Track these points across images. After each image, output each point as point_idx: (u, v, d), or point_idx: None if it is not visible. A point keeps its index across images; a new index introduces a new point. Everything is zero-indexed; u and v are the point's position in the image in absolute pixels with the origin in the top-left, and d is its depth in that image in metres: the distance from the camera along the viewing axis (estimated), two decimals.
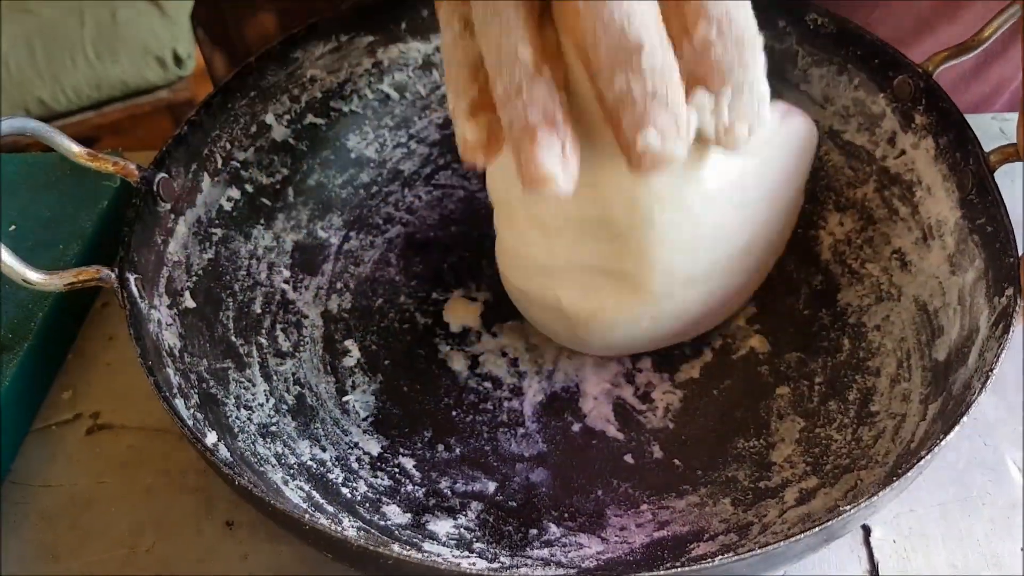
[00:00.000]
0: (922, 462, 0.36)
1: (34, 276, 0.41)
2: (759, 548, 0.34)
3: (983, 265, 0.44)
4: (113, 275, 0.42)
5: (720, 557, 0.34)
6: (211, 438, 0.42)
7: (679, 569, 0.35)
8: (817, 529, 0.34)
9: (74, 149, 0.44)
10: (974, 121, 0.47)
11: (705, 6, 0.33)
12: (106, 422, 0.50)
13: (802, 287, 0.52)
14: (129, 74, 1.15)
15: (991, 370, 0.39)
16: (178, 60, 1.23)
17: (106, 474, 0.48)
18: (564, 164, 0.33)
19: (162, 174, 0.47)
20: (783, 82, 0.54)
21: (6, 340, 0.49)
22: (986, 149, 0.45)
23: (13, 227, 0.53)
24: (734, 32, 0.33)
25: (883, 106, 0.51)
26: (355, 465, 0.46)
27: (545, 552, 0.43)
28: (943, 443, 0.37)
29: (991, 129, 0.59)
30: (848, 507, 0.35)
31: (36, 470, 0.48)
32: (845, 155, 0.53)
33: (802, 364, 0.49)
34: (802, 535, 0.34)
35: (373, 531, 0.43)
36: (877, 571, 0.43)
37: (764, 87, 0.35)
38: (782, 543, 0.34)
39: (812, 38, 0.53)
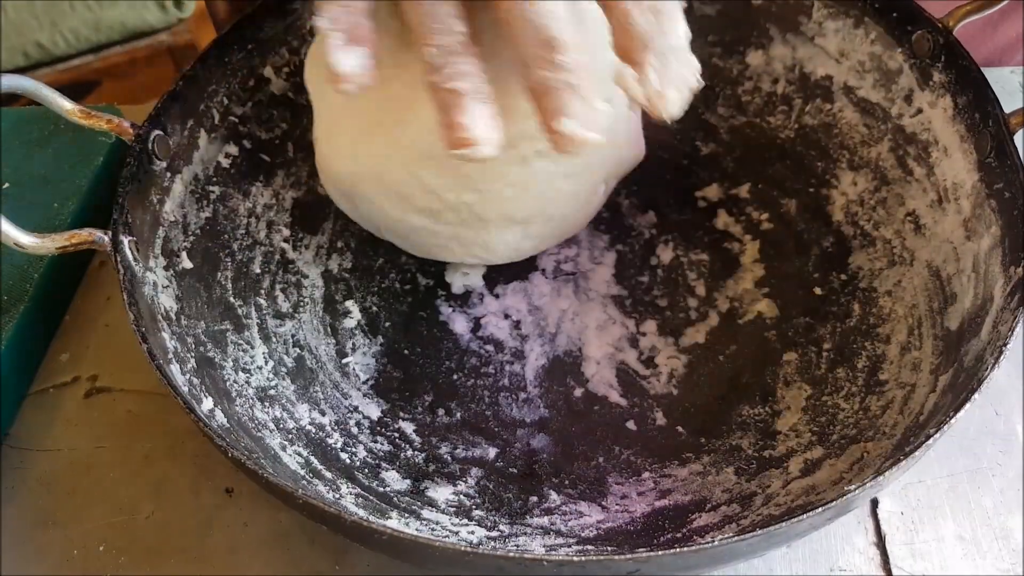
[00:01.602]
0: (930, 440, 0.35)
1: (26, 239, 0.40)
2: (760, 528, 0.33)
3: (999, 232, 0.42)
4: (107, 238, 0.41)
5: (721, 536, 0.33)
6: (207, 404, 0.42)
7: (680, 550, 0.34)
8: (820, 509, 0.34)
9: (67, 107, 0.43)
10: (993, 76, 0.45)
11: None
12: (105, 385, 0.49)
13: (812, 248, 0.50)
14: (128, 16, 1.13)
15: (1005, 344, 0.38)
16: (178, 2, 1.21)
17: (105, 439, 0.48)
18: (493, 129, 0.36)
19: (157, 131, 0.45)
20: (797, 35, 0.53)
21: (2, 302, 0.48)
22: (1006, 109, 0.44)
23: (7, 184, 0.52)
24: (650, 1, 0.36)
25: (900, 62, 0.49)
26: (354, 430, 0.46)
27: (545, 520, 0.42)
28: (953, 421, 0.36)
29: (1009, 84, 0.57)
30: (853, 488, 0.34)
31: (35, 434, 0.48)
32: (860, 112, 0.51)
33: (810, 329, 0.48)
34: (804, 515, 0.33)
35: (372, 498, 0.43)
36: (884, 543, 0.43)
37: (689, 54, 0.37)
38: (784, 523, 0.33)
39: None
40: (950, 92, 0.47)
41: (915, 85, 0.49)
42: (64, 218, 0.51)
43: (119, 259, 0.41)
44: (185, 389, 0.40)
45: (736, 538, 0.33)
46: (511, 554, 0.34)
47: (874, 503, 0.44)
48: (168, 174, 0.46)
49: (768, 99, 0.54)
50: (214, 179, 0.49)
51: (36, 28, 1.11)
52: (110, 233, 0.42)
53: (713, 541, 0.33)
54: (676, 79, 0.37)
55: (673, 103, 0.37)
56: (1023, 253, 0.40)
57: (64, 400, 0.49)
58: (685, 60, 0.37)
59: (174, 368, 0.41)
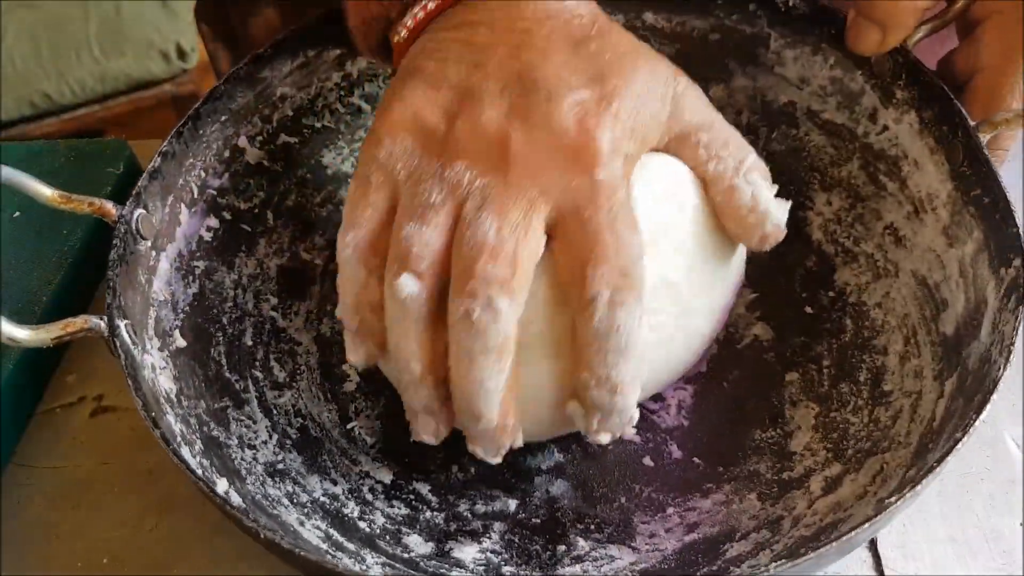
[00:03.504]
0: (959, 444, 0.36)
1: (21, 334, 0.39)
2: (812, 552, 0.33)
3: (982, 236, 0.44)
4: (103, 323, 0.40)
5: (775, 565, 0.33)
6: (222, 485, 0.40)
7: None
8: (867, 526, 0.34)
9: (47, 193, 0.42)
10: None
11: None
12: (109, 404, 0.50)
13: (796, 269, 0.51)
14: (133, 68, 1.15)
15: (1012, 344, 0.39)
16: (181, 53, 1.23)
17: (110, 456, 0.48)
18: (436, 434, 0.40)
19: (140, 210, 0.44)
20: (757, 66, 0.54)
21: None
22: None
23: (17, 214, 0.54)
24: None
25: (861, 83, 0.51)
26: (369, 496, 0.45)
27: (577, 568, 0.42)
28: (977, 423, 0.37)
29: None
30: (894, 500, 0.35)
31: (41, 452, 0.49)
32: (826, 134, 0.53)
33: (807, 348, 0.49)
34: (852, 533, 0.34)
35: (398, 565, 0.42)
36: (875, 546, 0.43)
37: (634, 409, 0.39)
38: (833, 544, 0.34)
39: (784, 20, 0.52)
40: (914, 108, 0.48)
41: (878, 104, 0.50)
42: (74, 244, 0.53)
43: (118, 344, 0.40)
44: (199, 472, 0.39)
45: (789, 564, 0.34)
46: None
47: None
48: (154, 253, 0.45)
49: None
50: (198, 254, 0.48)
51: (42, 78, 1.12)
52: (105, 318, 0.40)
53: (768, 570, 0.33)
54: (613, 428, 0.39)
55: (601, 441, 0.39)
56: (1012, 254, 0.41)
57: (70, 419, 0.50)
58: (627, 416, 0.39)
59: (185, 452, 0.40)
